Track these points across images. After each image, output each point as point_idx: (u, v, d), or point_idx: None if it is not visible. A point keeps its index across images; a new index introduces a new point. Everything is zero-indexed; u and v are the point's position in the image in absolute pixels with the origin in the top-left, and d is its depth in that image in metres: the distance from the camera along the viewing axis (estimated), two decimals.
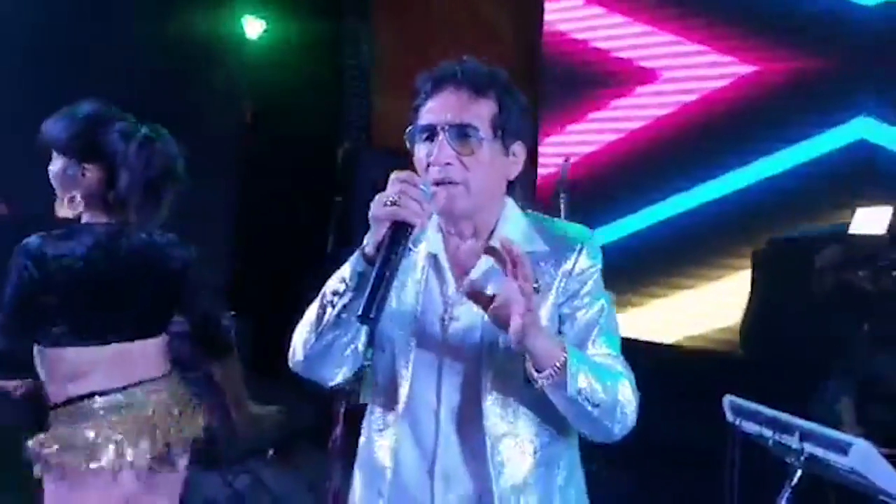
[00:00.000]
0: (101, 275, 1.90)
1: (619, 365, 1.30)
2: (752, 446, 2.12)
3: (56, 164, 1.94)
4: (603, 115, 4.44)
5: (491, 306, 1.17)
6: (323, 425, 3.05)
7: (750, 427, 2.08)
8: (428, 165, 1.27)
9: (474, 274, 1.31)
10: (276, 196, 5.31)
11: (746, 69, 3.88)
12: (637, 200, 4.18)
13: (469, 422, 1.29)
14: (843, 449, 1.83)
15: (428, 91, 1.31)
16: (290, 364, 1.37)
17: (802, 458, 1.94)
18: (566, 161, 2.40)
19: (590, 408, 1.20)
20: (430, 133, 1.27)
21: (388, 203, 1.17)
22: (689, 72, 4.12)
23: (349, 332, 1.28)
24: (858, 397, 2.49)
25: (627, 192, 4.23)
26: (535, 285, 1.20)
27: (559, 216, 2.38)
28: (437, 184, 1.24)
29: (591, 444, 1.35)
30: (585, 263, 1.32)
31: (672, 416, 3.51)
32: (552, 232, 1.36)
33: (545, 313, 1.29)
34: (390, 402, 1.33)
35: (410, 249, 1.30)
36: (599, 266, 1.35)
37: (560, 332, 1.31)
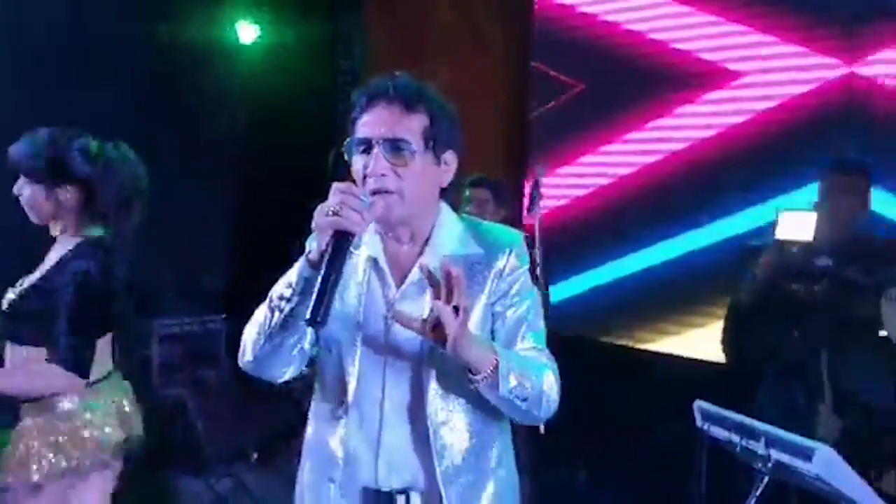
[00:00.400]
0: (108, 282, 1.97)
1: (544, 357, 1.43)
2: (723, 452, 2.11)
3: (27, 191, 1.98)
4: (667, 124, 3.98)
5: (426, 328, 1.26)
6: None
7: (718, 432, 2.07)
8: (364, 176, 1.33)
9: (412, 278, 1.39)
10: (272, 199, 5.34)
11: (835, 72, 3.36)
12: (704, 214, 3.76)
13: (412, 412, 1.40)
14: (807, 455, 1.81)
15: (363, 105, 1.38)
16: (240, 364, 1.44)
17: (769, 465, 1.93)
18: (540, 167, 2.39)
19: (519, 402, 1.33)
20: (366, 146, 1.34)
21: (330, 213, 1.25)
22: (769, 76, 3.62)
23: (296, 334, 1.36)
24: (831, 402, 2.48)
25: (695, 203, 3.83)
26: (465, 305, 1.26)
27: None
28: (374, 193, 1.32)
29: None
30: (515, 265, 1.44)
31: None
32: (484, 236, 1.46)
33: (479, 311, 1.40)
34: (338, 397, 1.42)
35: (352, 253, 1.37)
36: (527, 267, 1.47)
37: (493, 329, 1.43)
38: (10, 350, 1.98)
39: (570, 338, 4.24)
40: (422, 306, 1.34)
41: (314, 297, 1.22)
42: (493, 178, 2.83)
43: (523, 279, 1.44)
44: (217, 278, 5.55)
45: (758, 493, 1.93)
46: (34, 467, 1.87)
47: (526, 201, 2.37)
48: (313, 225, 1.27)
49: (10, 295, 1.99)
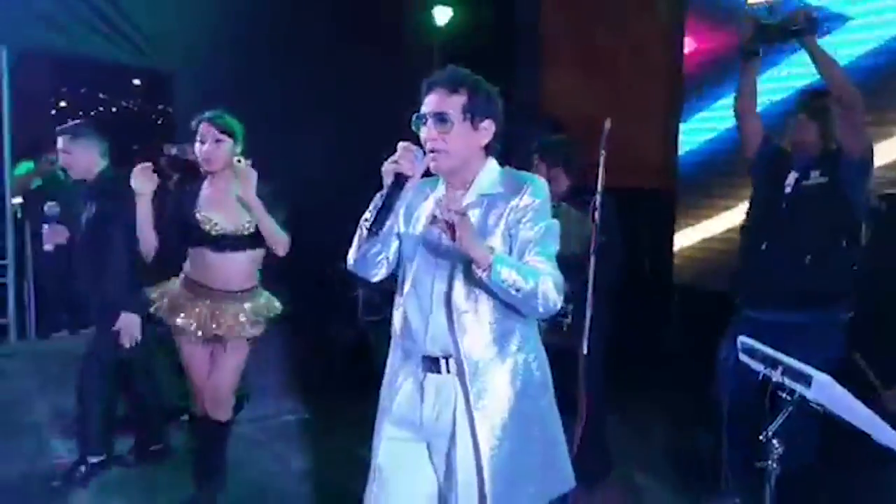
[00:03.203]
0: None
1: (549, 268, 1.81)
2: None
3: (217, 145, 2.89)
4: None
5: (447, 227, 1.72)
6: None
7: (753, 364, 2.18)
8: (426, 140, 1.86)
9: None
10: None
11: None
12: None
13: (447, 301, 1.86)
14: (807, 381, 1.91)
15: (424, 91, 1.89)
16: (348, 267, 2.02)
17: (795, 396, 2.02)
18: (607, 123, 2.61)
19: (514, 292, 1.74)
20: (424, 119, 1.86)
21: (392, 162, 1.79)
22: None
23: (377, 245, 1.92)
24: None
25: None
26: (462, 213, 1.71)
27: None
28: (431, 151, 1.84)
29: None
30: (527, 200, 1.85)
31: None
32: (511, 180, 1.90)
33: (498, 235, 1.84)
34: (403, 289, 1.95)
35: (427, 195, 1.94)
36: (540, 201, 1.86)
37: (510, 250, 1.83)
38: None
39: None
40: None
41: (374, 216, 1.79)
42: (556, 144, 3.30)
43: (534, 211, 1.84)
44: None
45: (779, 418, 2.03)
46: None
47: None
48: (382, 170, 1.79)
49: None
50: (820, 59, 2.58)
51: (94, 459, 3.37)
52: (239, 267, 2.94)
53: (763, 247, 2.75)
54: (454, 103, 1.83)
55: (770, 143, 2.90)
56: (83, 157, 3.34)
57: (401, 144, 1.80)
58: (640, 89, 4.79)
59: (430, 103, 1.86)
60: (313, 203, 5.03)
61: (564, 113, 5.27)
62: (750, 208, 2.96)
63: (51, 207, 3.40)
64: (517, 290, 1.73)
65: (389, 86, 6.07)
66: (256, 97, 5.60)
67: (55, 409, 4.11)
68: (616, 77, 4.89)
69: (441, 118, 1.82)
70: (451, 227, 1.70)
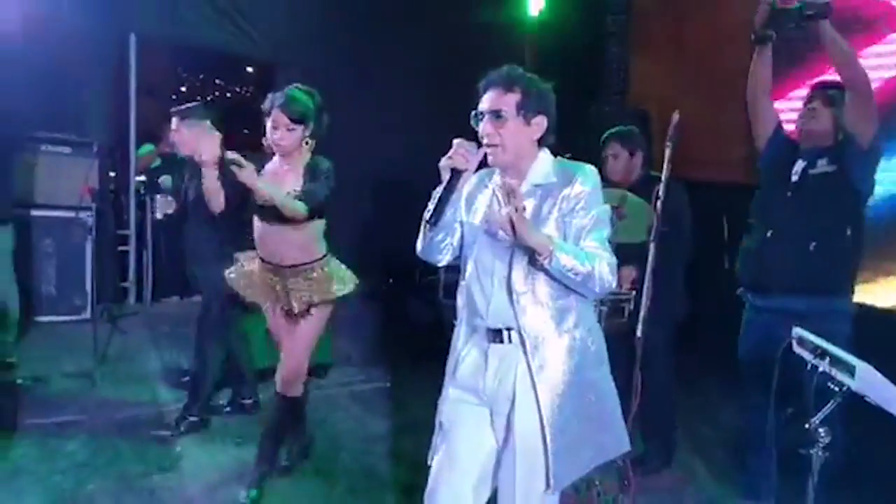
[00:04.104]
0: None
1: (604, 252, 1.96)
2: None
3: (290, 132, 2.92)
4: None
5: (505, 221, 1.88)
6: None
7: (806, 355, 2.21)
8: (482, 135, 2.01)
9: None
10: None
11: None
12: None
13: (507, 283, 2.02)
14: (850, 371, 1.95)
15: (482, 90, 2.04)
16: (417, 252, 2.19)
17: (844, 388, 2.03)
18: (675, 115, 2.67)
19: (573, 276, 1.91)
20: (482, 116, 2.01)
21: (448, 158, 1.95)
22: None
23: (441, 233, 2.08)
24: None
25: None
26: (523, 206, 1.88)
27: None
28: (488, 146, 1.98)
29: None
30: (578, 189, 1.99)
31: None
32: (563, 170, 2.02)
33: (552, 222, 1.99)
34: (466, 272, 2.12)
35: (487, 185, 2.09)
36: (590, 189, 1.99)
37: (564, 235, 1.97)
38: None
39: None
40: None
41: (432, 208, 1.97)
42: (623, 132, 3.31)
43: (586, 198, 1.97)
44: None
45: (823, 413, 2.00)
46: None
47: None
48: (440, 165, 1.95)
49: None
50: (834, 45, 2.54)
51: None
52: (287, 241, 2.93)
53: (768, 234, 2.75)
54: (508, 101, 1.96)
55: (781, 132, 2.87)
56: (191, 137, 3.57)
57: (456, 141, 1.94)
58: (728, 81, 4.73)
59: (486, 101, 1.99)
60: (402, 190, 5.28)
61: (652, 101, 5.27)
62: (756, 197, 2.93)
63: (164, 180, 3.70)
64: (576, 274, 1.89)
65: (483, 75, 6.25)
66: (357, 88, 5.90)
67: (164, 364, 4.58)
68: (705, 68, 4.85)
69: (496, 115, 1.96)
70: (510, 224, 1.86)
